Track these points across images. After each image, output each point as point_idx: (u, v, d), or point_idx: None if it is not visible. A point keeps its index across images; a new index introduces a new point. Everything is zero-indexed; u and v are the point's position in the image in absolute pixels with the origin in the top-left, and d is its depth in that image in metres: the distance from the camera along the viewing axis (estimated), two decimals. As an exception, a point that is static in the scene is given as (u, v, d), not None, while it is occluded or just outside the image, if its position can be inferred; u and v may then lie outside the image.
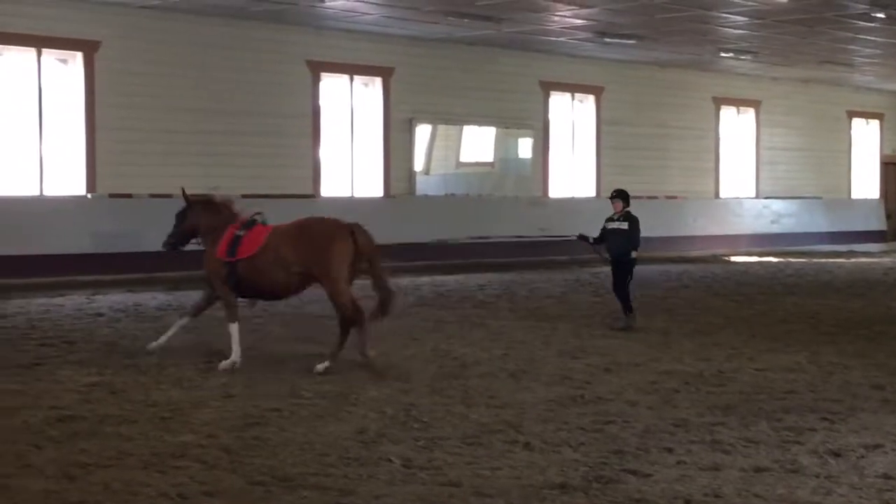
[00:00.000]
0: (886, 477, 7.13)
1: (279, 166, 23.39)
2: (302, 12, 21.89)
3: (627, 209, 14.94)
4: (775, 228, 32.99)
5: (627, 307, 14.63)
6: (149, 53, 21.74)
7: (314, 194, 23.92)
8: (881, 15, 21.72)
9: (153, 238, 20.89)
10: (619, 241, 14.72)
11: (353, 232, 11.72)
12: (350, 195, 24.76)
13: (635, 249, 14.78)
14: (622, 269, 14.77)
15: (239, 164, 22.71)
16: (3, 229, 19.70)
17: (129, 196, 21.41)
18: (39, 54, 20.76)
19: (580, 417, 8.82)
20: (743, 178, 33.05)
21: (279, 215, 22.89)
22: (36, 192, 20.76)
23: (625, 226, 14.68)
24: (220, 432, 8.23)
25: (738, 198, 32.71)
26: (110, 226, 21.02)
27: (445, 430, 8.37)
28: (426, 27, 23.74)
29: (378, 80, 25.08)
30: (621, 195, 15.10)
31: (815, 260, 28.30)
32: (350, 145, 24.79)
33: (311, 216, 12.61)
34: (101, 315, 15.42)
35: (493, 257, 25.49)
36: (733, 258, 29.01)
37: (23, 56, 20.74)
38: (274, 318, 15.12)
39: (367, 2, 21.03)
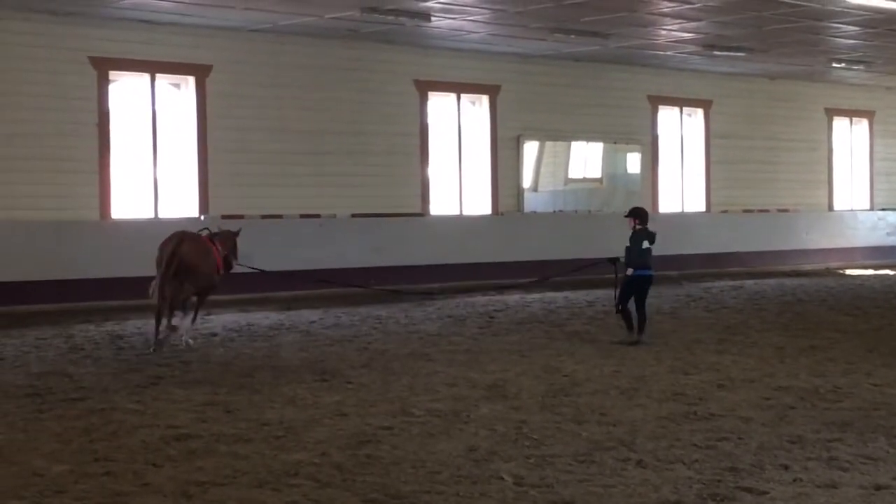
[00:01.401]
0: None
1: (388, 185, 23.55)
2: (409, 32, 22.03)
3: (644, 226, 14.84)
4: (891, 241, 32.34)
5: (643, 323, 14.48)
6: (259, 76, 22.05)
7: (423, 213, 24.02)
8: None
9: (264, 258, 21.41)
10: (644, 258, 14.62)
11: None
12: (459, 213, 24.82)
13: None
14: (645, 285, 14.63)
15: (349, 184, 22.91)
16: (121, 251, 20.07)
17: (241, 217, 21.68)
18: (153, 79, 21.16)
19: (693, 434, 8.74)
20: (857, 189, 32.50)
21: (389, 234, 23.25)
22: (151, 215, 21.15)
23: (646, 243, 14.61)
24: (332, 450, 8.30)
25: (852, 210, 32.16)
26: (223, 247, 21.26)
27: (557, 447, 8.35)
28: (532, 44, 23.75)
29: (485, 98, 25.13)
30: (633, 212, 15.19)
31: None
32: (458, 163, 24.86)
33: None
34: (214, 335, 15.64)
35: (601, 274, 25.30)
36: (848, 271, 28.52)
37: (137, 81, 21.16)
38: (388, 336, 15.22)
39: (473, 20, 21.10)
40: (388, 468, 7.77)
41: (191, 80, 21.49)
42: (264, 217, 21.91)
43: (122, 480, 7.52)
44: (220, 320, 17.47)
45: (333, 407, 10.04)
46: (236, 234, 16.11)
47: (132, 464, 7.96)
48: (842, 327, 16.00)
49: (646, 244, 14.67)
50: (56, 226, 19.91)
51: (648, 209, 27.24)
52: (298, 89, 22.49)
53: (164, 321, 14.09)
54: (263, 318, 17.71)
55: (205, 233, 15.36)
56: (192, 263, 14.36)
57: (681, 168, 28.65)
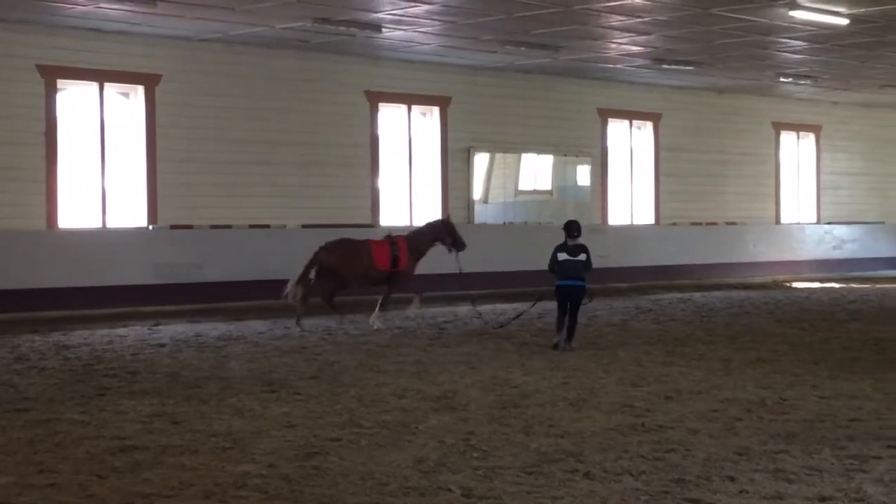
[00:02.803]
0: (954, 506, 7.02)
1: (339, 196, 23.53)
2: (360, 43, 22.04)
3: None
4: (837, 254, 32.67)
5: (572, 329, 15.12)
6: (209, 86, 21.98)
7: (373, 224, 24.00)
8: (943, 37, 21.55)
9: (214, 269, 21.34)
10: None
11: None
12: (409, 224, 24.79)
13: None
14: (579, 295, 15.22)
15: (298, 195, 22.88)
16: (67, 261, 19.94)
17: (189, 227, 21.59)
18: (101, 88, 21.05)
19: (641, 446, 8.77)
20: (804, 203, 32.82)
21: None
22: (98, 225, 21.01)
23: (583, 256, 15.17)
24: (280, 462, 8.26)
25: (799, 223, 32.46)
26: (172, 257, 21.21)
27: (505, 459, 8.35)
28: (483, 56, 23.82)
29: (435, 110, 25.18)
30: (570, 226, 15.57)
31: (878, 286, 27.97)
32: (408, 175, 24.88)
33: None
34: (162, 345, 15.55)
35: (551, 285, 25.40)
36: (795, 284, 28.75)
37: (85, 90, 21.03)
38: (338, 347, 15.19)
39: (423, 32, 21.14)
40: (336, 480, 7.74)
41: (140, 89, 21.39)
42: (213, 227, 21.82)
43: (67, 492, 7.44)
44: (169, 331, 17.36)
45: (282, 418, 10.00)
46: (437, 225, 19.02)
47: (77, 475, 7.88)
48: (788, 340, 16.12)
49: (583, 257, 15.12)
50: (2, 235, 19.74)
51: (598, 221, 27.66)
52: (249, 99, 22.44)
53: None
54: (212, 329, 17.62)
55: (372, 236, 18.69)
56: (332, 265, 18.05)
57: (630, 180, 28.83)
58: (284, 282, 22.11)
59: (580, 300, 15.23)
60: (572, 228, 15.36)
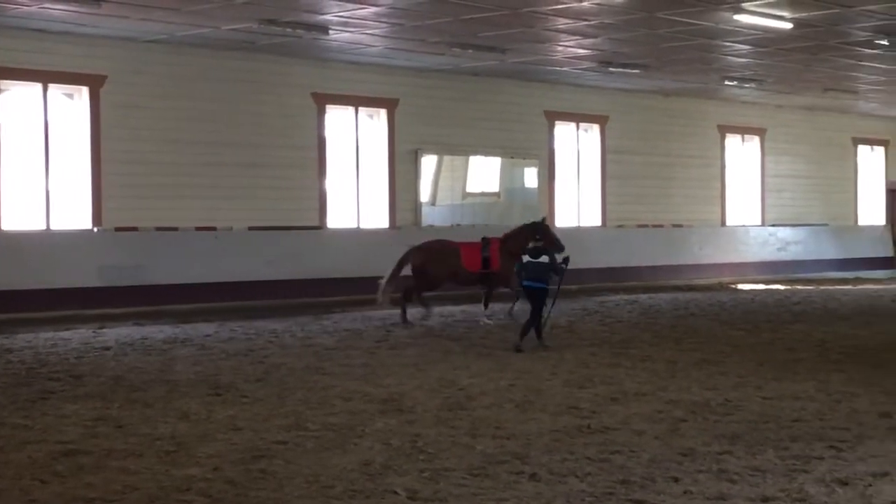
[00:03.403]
0: (894, 505, 7.11)
1: (286, 198, 23.45)
2: (307, 45, 21.98)
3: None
4: (782, 256, 32.97)
5: (539, 329, 15.56)
6: (155, 87, 21.84)
7: (320, 226, 23.94)
8: (885, 42, 21.77)
9: (159, 271, 21.22)
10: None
11: None
12: (356, 226, 24.77)
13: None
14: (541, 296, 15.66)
15: (245, 197, 22.78)
16: (11, 264, 19.76)
17: (135, 229, 21.45)
18: (45, 89, 20.86)
19: (586, 447, 8.80)
20: (749, 205, 33.07)
21: (286, 247, 23.14)
22: (42, 227, 20.82)
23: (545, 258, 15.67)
24: (225, 465, 8.22)
25: (744, 225, 32.71)
26: (116, 259, 21.07)
27: (451, 461, 8.36)
28: (430, 58, 23.83)
29: (383, 112, 25.15)
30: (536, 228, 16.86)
31: (822, 287, 28.24)
32: (356, 177, 24.84)
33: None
34: (107, 349, 15.43)
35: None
36: (740, 286, 28.96)
37: (29, 91, 20.83)
38: (284, 350, 15.14)
39: (371, 34, 21.12)
40: (282, 483, 7.72)
41: (84, 90, 21.22)
42: (159, 229, 21.69)
43: (8, 497, 7.37)
44: (114, 334, 17.24)
45: (227, 421, 9.95)
46: (532, 226, 18.75)
47: (19, 480, 7.81)
48: (733, 341, 16.23)
49: (545, 259, 15.48)
50: (-56, 237, 19.53)
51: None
52: (195, 101, 22.32)
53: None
54: (158, 332, 17.50)
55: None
56: (421, 265, 19.19)
57: (577, 183, 28.92)
58: (232, 283, 22.17)
59: (542, 301, 15.53)
60: (535, 231, 16.07)
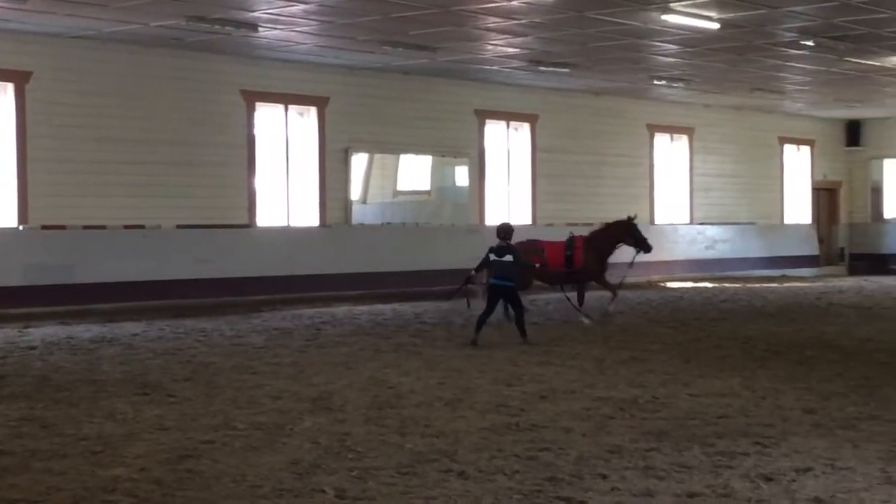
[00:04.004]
0: (817, 500, 7.19)
1: (215, 196, 23.27)
2: (236, 42, 21.85)
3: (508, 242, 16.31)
4: (710, 254, 33.27)
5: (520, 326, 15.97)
6: (82, 84, 21.60)
7: (250, 224, 23.81)
8: (810, 43, 22.03)
9: (86, 269, 21.00)
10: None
11: None
12: (286, 225, 24.66)
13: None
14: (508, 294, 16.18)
15: (174, 195, 22.58)
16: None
17: (62, 228, 21.21)
18: (-31, 85, 20.58)
19: (515, 445, 8.83)
20: (677, 204, 33.33)
21: (216, 245, 22.99)
22: (-33, 225, 20.54)
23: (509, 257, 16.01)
24: (152, 465, 8.16)
25: (672, 224, 32.96)
26: (43, 258, 20.82)
27: (380, 459, 8.35)
28: (361, 56, 23.77)
29: (313, 110, 25.05)
30: (502, 229, 16.58)
31: (748, 285, 28.56)
32: (286, 175, 24.71)
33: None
34: (33, 348, 15.26)
35: (430, 285, 25.54)
36: (668, 284, 29.21)
37: (-47, 87, 20.55)
38: (213, 349, 15.05)
39: (300, 31, 21.02)
40: (209, 483, 7.67)
41: (9, 86, 20.92)
42: (86, 228, 21.46)
43: (-70, 499, 7.28)
44: (40, 333, 17.05)
45: (154, 421, 9.88)
46: (618, 225, 19.75)
47: (-59, 482, 7.71)
48: (661, 339, 16.38)
49: (509, 258, 15.88)
50: None
51: (475, 222, 27.78)
52: (123, 98, 22.09)
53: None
54: (84, 331, 17.33)
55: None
56: None
57: (507, 181, 28.99)
58: (160, 282, 22.01)
59: (511, 299, 16.07)
60: (499, 231, 16.27)
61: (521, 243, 19.03)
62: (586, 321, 18.32)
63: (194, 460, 8.34)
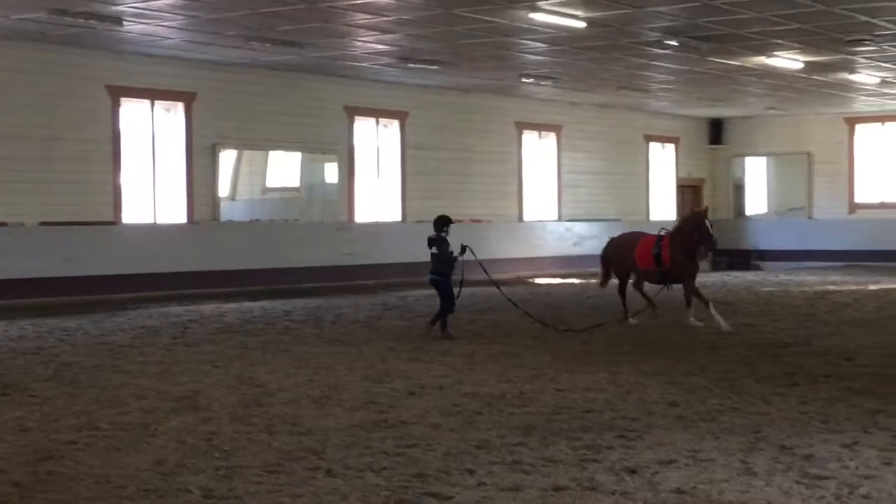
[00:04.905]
0: (679, 492, 7.32)
1: (79, 193, 22.83)
2: (100, 36, 21.46)
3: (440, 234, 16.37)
4: (577, 250, 33.63)
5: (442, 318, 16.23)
6: (-61, 77, 21.05)
7: (115, 221, 23.42)
8: (674, 42, 22.40)
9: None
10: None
11: None
12: (153, 221, 24.30)
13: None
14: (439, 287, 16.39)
15: (37, 192, 22.09)
16: None
17: (-81, 225, 20.67)
18: None
19: (383, 442, 8.84)
20: (545, 200, 33.63)
21: (80, 243, 22.56)
22: None
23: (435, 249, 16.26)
24: (11, 468, 7.98)
25: (541, 220, 33.26)
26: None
27: (247, 458, 8.29)
28: (228, 52, 23.54)
29: (180, 106, 24.73)
30: (436, 221, 16.58)
31: (615, 281, 28.88)
32: (152, 171, 24.35)
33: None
34: None
35: (299, 282, 25.43)
36: (537, 280, 29.47)
37: None
38: (77, 349, 14.79)
39: (167, 26, 20.73)
40: (71, 484, 7.54)
41: None
42: (-55, 224, 20.94)
43: None
44: None
45: (14, 422, 9.67)
46: (691, 218, 18.23)
47: None
48: (530, 334, 16.50)
49: (434, 250, 16.18)
50: None
51: (345, 219, 27.72)
52: (-17, 92, 21.58)
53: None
54: (-57, 331, 16.91)
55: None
56: (607, 258, 19.01)
57: (377, 178, 28.96)
58: (23, 280, 21.59)
59: (440, 291, 16.21)
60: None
61: (619, 236, 19.28)
62: (696, 322, 17.22)
63: (56, 461, 8.19)
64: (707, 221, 17.67)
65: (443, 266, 16.12)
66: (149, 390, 11.37)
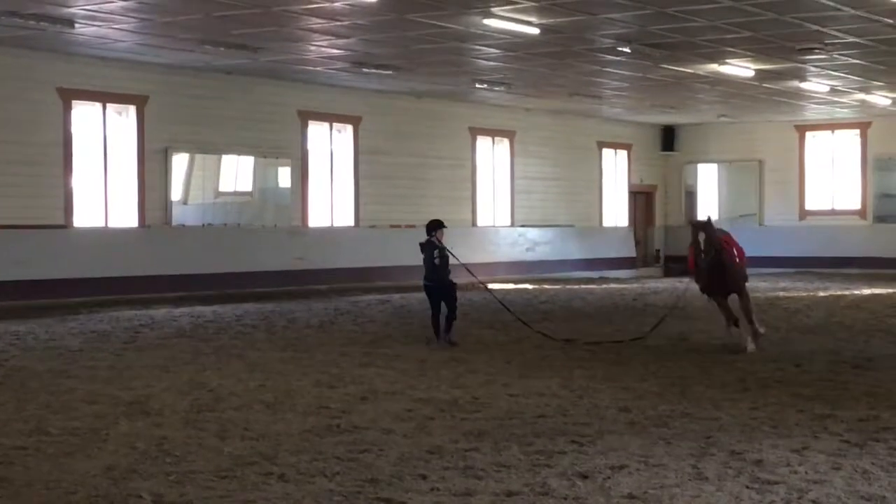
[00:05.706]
0: (631, 497, 7.35)
1: (30, 196, 22.64)
2: (51, 38, 21.30)
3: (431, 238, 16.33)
4: (530, 256, 33.74)
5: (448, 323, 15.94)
6: None
7: (66, 225, 23.24)
8: (627, 49, 22.51)
9: None
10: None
11: None
12: (104, 225, 24.13)
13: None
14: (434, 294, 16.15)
15: (-14, 194, 21.93)
16: None
17: None
18: None
19: (335, 447, 8.83)
20: (499, 206, 33.69)
21: (31, 246, 22.36)
22: None
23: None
24: (-40, 473, 7.92)
25: (494, 226, 33.31)
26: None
27: (198, 463, 8.25)
28: (181, 55, 23.43)
29: (132, 109, 24.57)
30: (428, 225, 16.56)
31: (568, 286, 29.05)
32: (104, 175, 24.18)
33: None
34: None
35: (252, 287, 25.34)
36: (490, 286, 29.47)
37: None
38: (26, 353, 14.66)
39: (119, 28, 20.61)
40: (20, 490, 7.47)
41: None
42: None
43: None
44: None
45: (-37, 428, 9.58)
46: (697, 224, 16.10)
47: None
48: (483, 340, 16.54)
49: (425, 255, 16.04)
50: None
51: (298, 223, 27.65)
52: (-69, 94, 21.37)
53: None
54: None
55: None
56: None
57: (330, 183, 28.91)
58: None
59: (441, 297, 15.89)
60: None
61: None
62: (751, 348, 15.05)
63: (5, 467, 8.11)
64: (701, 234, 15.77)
65: (428, 271, 16.03)
66: (100, 395, 11.29)
